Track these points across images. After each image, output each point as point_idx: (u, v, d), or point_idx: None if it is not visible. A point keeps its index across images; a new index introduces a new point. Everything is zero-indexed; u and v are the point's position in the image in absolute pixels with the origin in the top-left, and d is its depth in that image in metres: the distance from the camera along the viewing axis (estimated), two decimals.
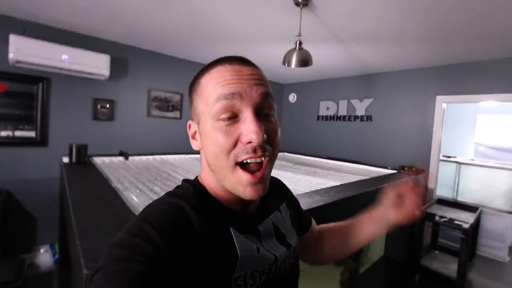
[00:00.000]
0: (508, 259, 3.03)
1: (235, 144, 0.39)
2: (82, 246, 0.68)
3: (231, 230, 0.41)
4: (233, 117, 0.39)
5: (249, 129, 0.38)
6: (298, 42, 1.69)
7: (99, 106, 2.73)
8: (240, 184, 0.40)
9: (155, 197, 1.28)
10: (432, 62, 2.82)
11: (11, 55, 2.13)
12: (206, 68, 0.43)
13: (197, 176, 0.49)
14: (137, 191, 1.37)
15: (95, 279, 0.30)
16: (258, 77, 0.42)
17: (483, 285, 2.53)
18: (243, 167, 0.39)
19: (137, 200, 1.22)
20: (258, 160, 0.39)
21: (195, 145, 0.46)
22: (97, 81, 2.71)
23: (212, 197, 0.45)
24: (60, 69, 2.40)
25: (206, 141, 0.41)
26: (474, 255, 2.79)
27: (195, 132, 0.45)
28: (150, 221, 0.36)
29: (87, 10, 2.05)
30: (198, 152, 0.47)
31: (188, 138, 0.47)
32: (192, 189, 0.44)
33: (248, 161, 0.39)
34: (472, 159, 3.71)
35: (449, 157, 3.72)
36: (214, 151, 0.40)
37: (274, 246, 0.47)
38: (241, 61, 0.43)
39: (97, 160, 2.08)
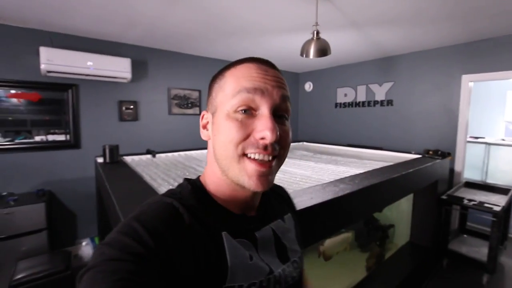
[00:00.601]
0: None
1: (246, 138, 0.39)
2: None
3: (223, 235, 0.40)
4: (250, 112, 0.40)
5: (264, 125, 0.38)
6: (315, 32, 1.68)
7: (124, 108, 2.86)
8: (246, 174, 0.39)
9: None
10: (454, 40, 2.68)
11: (42, 66, 2.28)
12: (233, 64, 0.44)
13: (199, 176, 0.49)
14: (170, 187, 1.46)
15: (84, 279, 0.30)
16: (280, 80, 0.43)
17: None
18: (250, 158, 0.40)
19: None
20: (266, 158, 0.39)
21: (204, 135, 0.47)
22: (120, 84, 2.84)
23: (210, 197, 0.44)
24: (86, 75, 2.54)
25: (218, 130, 0.41)
26: (506, 238, 2.70)
27: (207, 123, 0.46)
28: (141, 221, 0.36)
29: (106, 18, 2.14)
30: None
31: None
32: (190, 188, 0.44)
33: (256, 156, 0.39)
34: (503, 139, 3.53)
35: (477, 138, 3.56)
36: (224, 140, 0.40)
37: (271, 258, 0.46)
38: (267, 63, 0.44)
39: (128, 159, 2.21)
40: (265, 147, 0.39)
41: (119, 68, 2.65)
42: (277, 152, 0.40)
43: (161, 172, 1.81)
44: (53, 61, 2.30)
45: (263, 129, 0.38)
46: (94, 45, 2.64)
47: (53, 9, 1.97)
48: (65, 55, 2.38)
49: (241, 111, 0.39)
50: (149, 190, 1.28)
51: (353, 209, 1.35)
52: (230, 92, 0.41)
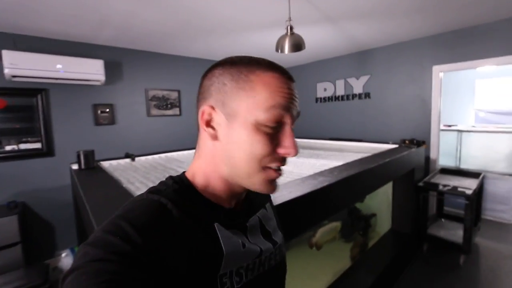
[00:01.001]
0: None
1: (273, 151, 0.40)
2: None
3: (216, 226, 0.41)
4: (279, 124, 0.41)
5: (289, 142, 0.41)
6: (289, 27, 1.69)
7: (99, 111, 2.76)
8: (265, 183, 0.41)
9: None
10: (426, 32, 2.78)
11: (6, 71, 2.15)
12: (255, 64, 0.41)
13: (184, 172, 0.47)
14: None
15: (68, 281, 0.29)
16: (297, 95, 0.44)
17: (489, 247, 2.62)
18: (269, 169, 0.41)
19: None
20: (282, 167, 0.43)
21: (211, 134, 0.42)
22: (94, 87, 2.74)
23: (198, 193, 0.43)
24: (56, 78, 2.42)
25: (238, 140, 0.40)
26: (480, 219, 2.86)
27: (211, 120, 0.42)
28: (128, 218, 0.35)
29: (75, 17, 2.05)
30: None
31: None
32: (177, 185, 0.43)
33: (274, 167, 0.41)
34: (473, 126, 3.72)
35: (450, 126, 3.74)
36: (250, 153, 0.39)
37: (260, 240, 0.48)
38: (288, 75, 0.44)
39: (105, 164, 2.14)
40: (284, 160, 0.42)
41: (91, 70, 2.54)
42: None
43: (140, 175, 1.76)
44: (18, 65, 2.18)
45: (289, 146, 0.40)
46: (63, 47, 2.52)
47: (15, 10, 1.86)
48: (31, 58, 2.26)
49: (272, 125, 0.40)
50: (125, 195, 1.24)
51: (333, 200, 1.38)
52: (263, 103, 0.39)
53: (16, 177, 2.36)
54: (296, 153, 0.41)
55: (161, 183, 0.45)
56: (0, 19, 2.00)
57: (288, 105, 0.41)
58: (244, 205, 0.50)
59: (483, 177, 2.77)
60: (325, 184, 1.27)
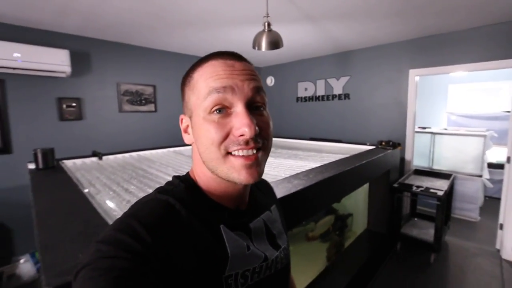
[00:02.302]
0: (479, 218, 3.27)
1: (226, 137, 0.39)
2: (44, 261, 0.64)
3: (221, 228, 0.41)
4: (225, 111, 0.40)
5: (241, 122, 0.38)
6: (266, 23, 1.62)
7: (64, 106, 2.55)
8: (234, 170, 0.39)
9: (131, 198, 1.24)
10: (403, 36, 2.83)
11: None
12: (199, 62, 0.44)
13: (188, 172, 0.49)
14: (111, 193, 1.31)
15: (79, 276, 0.30)
16: (250, 72, 0.42)
17: (458, 245, 2.73)
18: (235, 156, 0.40)
19: (111, 203, 1.17)
20: (250, 152, 0.39)
21: (187, 139, 0.46)
22: (59, 79, 2.52)
23: (203, 193, 0.45)
24: (14, 68, 2.20)
25: (198, 134, 0.42)
26: (450, 219, 2.97)
27: (188, 126, 0.45)
28: (138, 217, 0.36)
29: (34, 2, 1.85)
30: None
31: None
32: (183, 185, 0.44)
33: (240, 153, 0.39)
34: (445, 129, 3.87)
35: (424, 128, 3.86)
36: (205, 143, 0.40)
37: (264, 246, 0.48)
38: (234, 56, 0.43)
39: (68, 163, 1.97)
40: (246, 143, 0.39)
41: (55, 60, 2.34)
42: (260, 144, 0.41)
43: (105, 176, 1.63)
44: None
45: (240, 126, 0.38)
46: (22, 34, 2.29)
47: None
48: None
49: (215, 112, 0.39)
50: (82, 199, 1.12)
51: (308, 203, 1.34)
52: (201, 94, 0.40)
53: None
54: (250, 131, 0.38)
55: (168, 182, 0.46)
56: None
57: (224, 86, 0.39)
58: (249, 207, 0.50)
59: (454, 178, 2.88)
60: (299, 188, 1.23)
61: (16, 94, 2.32)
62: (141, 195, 1.28)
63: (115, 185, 1.45)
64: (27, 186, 2.32)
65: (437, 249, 2.40)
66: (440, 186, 2.57)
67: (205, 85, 0.40)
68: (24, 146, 2.35)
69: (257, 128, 0.39)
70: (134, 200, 1.21)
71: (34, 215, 0.93)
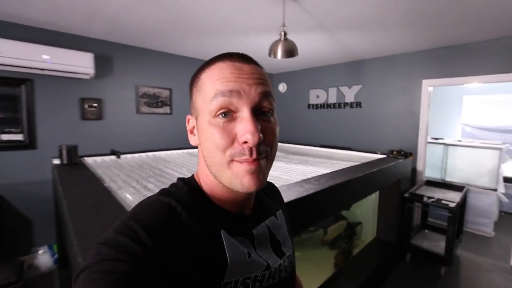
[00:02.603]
0: (493, 233, 3.18)
1: (232, 143, 0.38)
2: (80, 245, 0.70)
3: (222, 234, 0.41)
4: (230, 115, 0.39)
5: (245, 128, 0.37)
6: (282, 32, 1.69)
7: (86, 106, 2.69)
8: (237, 176, 0.39)
9: (149, 194, 1.30)
10: (417, 46, 2.85)
11: None
12: (207, 63, 0.43)
13: (193, 174, 0.48)
14: (131, 189, 1.38)
15: (80, 279, 0.30)
16: (258, 76, 0.41)
17: (470, 259, 2.67)
18: (238, 162, 0.39)
19: (131, 198, 1.24)
20: (254, 159, 0.39)
21: (193, 140, 0.45)
22: (82, 80, 2.66)
23: (206, 197, 0.44)
24: (42, 69, 2.35)
25: (203, 137, 0.41)
26: (462, 232, 2.91)
27: (193, 127, 0.45)
28: (139, 220, 0.35)
29: (66, 7, 1.99)
30: (192, 147, 0.49)
31: (182, 134, 0.48)
32: (186, 188, 0.44)
33: (238, 158, 0.39)
34: (459, 140, 3.81)
35: (437, 139, 3.82)
36: (210, 147, 0.39)
37: (267, 254, 0.47)
38: (242, 58, 0.42)
39: (89, 160, 2.08)
40: (250, 152, 0.38)
41: (80, 63, 2.48)
42: (264, 154, 0.39)
43: (124, 174, 1.72)
44: (2, 53, 2.10)
45: (244, 132, 0.37)
46: (52, 37, 2.45)
47: None
48: (17, 46, 2.17)
49: (220, 115, 0.38)
50: (105, 193, 1.20)
51: (318, 207, 1.37)
52: (207, 96, 0.39)
53: None
54: (253, 138, 0.37)
55: (172, 185, 0.46)
56: None
57: (230, 90, 0.38)
58: (253, 212, 0.48)
59: (467, 191, 2.84)
60: (310, 192, 1.27)
61: (43, 93, 2.46)
62: None
63: (134, 182, 1.53)
64: (49, 181, 2.45)
65: (448, 262, 2.36)
66: (452, 197, 2.54)
67: (212, 87, 0.39)
68: (48, 143, 2.48)
69: (261, 135, 0.38)
70: None
71: (66, 206, 1.00)
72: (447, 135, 4.24)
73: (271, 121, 0.42)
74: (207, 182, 0.44)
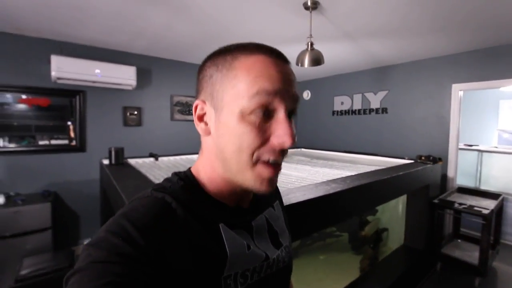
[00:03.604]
0: None
1: (263, 143, 0.37)
2: None
3: (220, 227, 0.40)
4: (267, 114, 0.37)
5: (284, 131, 0.37)
6: (309, 43, 1.81)
7: (128, 113, 2.99)
8: (259, 179, 0.38)
9: None
10: (445, 51, 2.82)
11: (53, 73, 2.42)
12: (240, 50, 0.40)
13: (189, 168, 0.46)
14: None
15: (71, 282, 0.29)
16: (295, 80, 0.41)
17: (508, 272, 2.52)
18: (263, 163, 0.38)
19: None
20: (279, 161, 0.39)
21: (202, 129, 0.42)
22: (125, 91, 2.98)
23: (203, 191, 0.42)
24: (94, 82, 2.67)
25: (228, 132, 0.38)
26: (499, 243, 2.76)
27: (205, 115, 0.41)
28: (131, 218, 0.34)
29: (115, 28, 2.28)
30: None
31: None
32: (182, 182, 0.42)
33: (271, 160, 0.38)
34: (496, 147, 3.63)
35: (471, 145, 3.66)
36: (239, 146, 0.37)
37: (266, 245, 0.47)
38: (280, 55, 0.41)
39: (132, 162, 2.31)
40: (281, 152, 0.38)
41: (125, 75, 2.79)
42: (286, 153, 0.40)
43: (164, 173, 1.91)
44: (62, 68, 2.44)
45: (284, 134, 0.37)
46: (101, 54, 2.78)
47: (62, 19, 2.11)
48: (74, 63, 2.52)
49: (258, 113, 0.37)
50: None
51: (344, 206, 1.44)
52: (245, 91, 0.37)
53: (51, 169, 2.59)
54: (291, 141, 0.37)
55: (166, 179, 0.44)
56: (49, 27, 2.27)
57: (275, 89, 0.37)
58: (251, 204, 0.48)
59: (503, 199, 2.70)
60: (337, 190, 1.35)
61: (93, 103, 2.79)
62: None
63: None
64: (95, 181, 2.74)
65: (483, 273, 2.26)
66: (486, 205, 2.44)
67: (254, 83, 0.36)
68: (95, 147, 2.80)
69: (296, 138, 0.38)
70: None
71: (125, 197, 1.18)
72: (482, 141, 4.04)
73: (293, 124, 0.42)
74: (210, 176, 0.42)
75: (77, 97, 2.70)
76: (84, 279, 0.28)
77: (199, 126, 0.42)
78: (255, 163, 0.38)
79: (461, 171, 3.34)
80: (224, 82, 0.39)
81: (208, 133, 0.41)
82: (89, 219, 2.80)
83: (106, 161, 2.15)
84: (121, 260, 0.30)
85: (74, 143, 2.71)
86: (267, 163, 0.38)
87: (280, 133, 0.37)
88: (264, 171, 0.38)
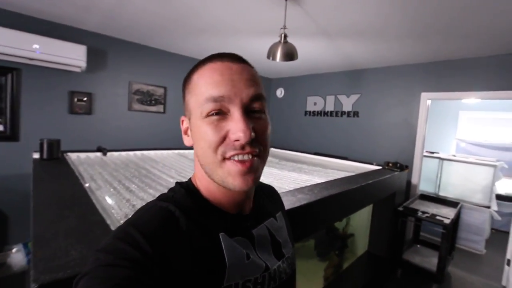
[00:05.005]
0: (484, 251, 3.14)
1: (223, 140, 0.39)
2: (34, 255, 0.61)
3: (220, 236, 0.41)
4: (223, 114, 0.39)
5: (236, 127, 0.38)
6: (283, 35, 1.63)
7: (75, 99, 2.58)
8: (229, 175, 0.39)
9: (131, 197, 1.22)
10: (417, 59, 2.83)
11: None
12: (198, 65, 0.44)
13: (190, 178, 0.49)
14: (111, 190, 1.29)
15: (80, 285, 0.30)
16: (249, 77, 0.41)
17: (462, 277, 2.61)
18: (231, 161, 0.39)
19: (110, 200, 1.15)
20: (246, 157, 0.39)
21: (187, 141, 0.46)
22: (73, 73, 2.56)
23: (204, 198, 0.44)
24: (31, 59, 2.25)
25: (196, 136, 0.42)
26: (454, 249, 2.86)
27: (187, 128, 0.45)
28: (137, 226, 0.36)
29: None
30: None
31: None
32: (183, 191, 0.44)
33: (236, 158, 0.39)
34: (454, 155, 3.80)
35: (432, 152, 3.80)
36: (203, 146, 0.40)
37: (267, 255, 0.47)
38: (233, 58, 0.42)
39: (72, 156, 1.97)
40: (242, 147, 0.39)
41: (72, 55, 2.38)
42: (257, 150, 0.40)
43: (107, 172, 1.62)
44: None
45: (236, 131, 0.38)
46: (43, 26, 2.35)
47: None
48: (6, 34, 2.08)
49: (213, 114, 0.39)
50: (81, 193, 1.10)
51: (310, 219, 1.29)
52: (199, 99, 0.40)
53: None
54: (246, 137, 0.37)
55: (170, 189, 0.47)
56: None
57: (222, 94, 0.39)
58: (252, 212, 0.49)
59: (461, 207, 2.80)
60: (303, 202, 1.19)
61: (30, 84, 2.36)
62: (141, 194, 1.26)
63: (117, 182, 1.43)
64: (29, 175, 2.32)
65: (440, 280, 2.30)
66: (446, 214, 2.49)
67: (204, 91, 0.40)
68: (31, 135, 2.37)
69: (252, 133, 0.38)
70: (134, 199, 1.19)
71: (32, 206, 0.91)
72: (442, 149, 4.23)
73: (262, 119, 0.42)
74: (204, 183, 0.44)
75: (9, 76, 2.25)
76: (93, 282, 0.30)
77: (186, 140, 0.46)
78: (222, 160, 0.39)
79: (423, 177, 3.43)
80: (189, 95, 0.43)
81: (191, 143, 0.45)
82: (20, 222, 2.37)
83: (36, 155, 1.79)
84: (128, 264, 0.31)
85: (2, 129, 2.27)
86: (232, 159, 0.39)
87: (233, 129, 0.38)
88: (232, 166, 0.39)
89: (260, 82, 0.44)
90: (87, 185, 1.25)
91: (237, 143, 0.38)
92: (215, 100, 0.39)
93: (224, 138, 0.39)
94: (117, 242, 0.34)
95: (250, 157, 0.39)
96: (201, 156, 0.41)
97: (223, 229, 0.42)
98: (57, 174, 1.39)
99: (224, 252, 0.40)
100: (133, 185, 1.40)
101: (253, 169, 0.40)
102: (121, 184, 1.40)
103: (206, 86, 0.40)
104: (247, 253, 0.43)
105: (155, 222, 0.38)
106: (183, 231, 0.38)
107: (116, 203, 1.11)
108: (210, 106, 0.39)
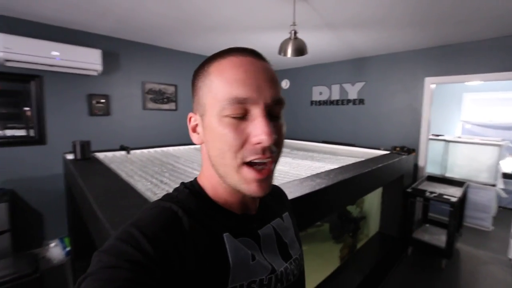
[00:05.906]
0: (492, 228, 3.27)
1: (243, 144, 0.37)
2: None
3: (224, 237, 0.40)
4: (244, 114, 0.38)
5: (260, 129, 0.37)
6: (293, 31, 1.72)
7: (94, 102, 2.72)
8: (245, 182, 0.38)
9: (168, 188, 1.35)
10: (420, 44, 2.88)
11: (0, 55, 2.09)
12: (216, 57, 0.41)
13: (196, 177, 0.47)
14: (148, 183, 1.43)
15: (82, 287, 0.30)
16: (271, 77, 0.40)
17: (470, 252, 2.75)
18: (249, 166, 0.38)
19: (153, 190, 1.28)
20: (265, 160, 0.38)
21: (196, 138, 0.44)
22: (90, 77, 2.69)
23: (209, 198, 0.43)
24: (51, 65, 2.37)
25: (211, 136, 0.39)
26: (462, 226, 2.99)
27: (197, 125, 0.43)
28: (140, 227, 0.35)
29: (76, 5, 2.01)
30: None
31: (187, 130, 0.46)
32: (188, 191, 0.43)
33: (256, 161, 0.38)
34: (459, 137, 3.88)
35: (438, 135, 3.88)
36: (220, 148, 0.38)
37: (273, 256, 0.46)
38: (255, 54, 0.41)
39: (100, 156, 2.12)
40: (263, 151, 0.38)
41: (88, 59, 2.50)
42: (275, 154, 0.40)
43: (138, 168, 1.76)
44: (12, 49, 2.12)
45: (259, 133, 0.37)
46: (61, 34, 2.46)
47: None
48: (27, 43, 2.20)
49: (234, 115, 0.37)
50: (126, 187, 1.24)
51: (329, 201, 1.42)
52: (219, 96, 0.38)
53: (5, 164, 2.29)
54: (269, 140, 0.36)
55: (175, 189, 0.46)
56: None
57: (248, 97, 0.37)
58: (258, 212, 0.48)
59: (467, 186, 2.90)
60: (322, 186, 1.32)
61: (51, 90, 2.49)
62: (176, 186, 1.40)
63: (149, 176, 1.57)
64: (59, 176, 2.49)
65: (449, 255, 2.44)
66: (453, 193, 2.60)
67: (226, 89, 0.37)
68: (57, 138, 2.52)
69: (276, 136, 0.38)
70: (171, 190, 1.33)
71: (92, 200, 1.04)
72: (447, 132, 4.31)
73: (280, 122, 0.41)
74: (212, 183, 0.43)
75: (32, 83, 2.38)
76: (95, 284, 0.30)
77: (194, 137, 0.44)
78: (240, 165, 0.38)
79: (429, 159, 3.54)
80: (204, 88, 0.40)
81: (201, 141, 0.43)
82: (54, 219, 2.55)
83: (70, 156, 1.93)
84: (130, 266, 0.31)
85: (32, 133, 2.42)
86: (251, 165, 0.38)
87: (255, 131, 0.37)
88: (249, 174, 0.38)
89: (279, 84, 0.43)
90: (126, 179, 1.39)
91: (258, 146, 0.37)
92: (240, 102, 0.37)
93: (245, 142, 0.37)
94: (119, 243, 0.33)
95: (269, 161, 0.39)
96: (216, 156, 0.39)
97: (228, 229, 0.41)
98: (97, 171, 1.54)
99: (228, 252, 0.39)
100: (165, 179, 1.53)
101: (270, 177, 0.40)
102: (154, 178, 1.54)
103: (228, 83, 0.37)
104: (253, 254, 0.42)
105: (157, 222, 0.37)
106: (186, 231, 0.37)
107: (159, 194, 1.25)
108: (233, 108, 0.37)
